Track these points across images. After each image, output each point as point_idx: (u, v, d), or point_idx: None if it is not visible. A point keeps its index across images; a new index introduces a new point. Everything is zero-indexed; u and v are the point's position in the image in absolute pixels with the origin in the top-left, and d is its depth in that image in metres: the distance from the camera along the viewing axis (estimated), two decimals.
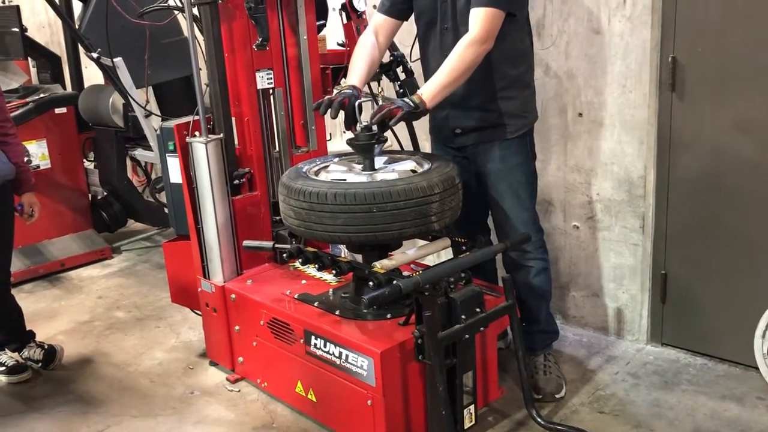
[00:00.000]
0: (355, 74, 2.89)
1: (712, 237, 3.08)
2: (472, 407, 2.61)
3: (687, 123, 3.05)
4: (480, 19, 2.62)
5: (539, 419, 2.71)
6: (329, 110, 2.70)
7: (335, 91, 2.83)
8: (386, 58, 3.56)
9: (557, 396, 2.97)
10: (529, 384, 2.79)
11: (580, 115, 3.31)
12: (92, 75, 5.37)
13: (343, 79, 3.04)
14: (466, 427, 2.60)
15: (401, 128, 3.63)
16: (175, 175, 3.26)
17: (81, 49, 4.59)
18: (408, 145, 3.67)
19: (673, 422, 2.78)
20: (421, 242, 2.93)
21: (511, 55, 2.82)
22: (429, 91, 2.65)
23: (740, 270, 3.04)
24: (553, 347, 3.18)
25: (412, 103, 2.62)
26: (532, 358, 3.07)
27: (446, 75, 2.65)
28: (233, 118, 3.15)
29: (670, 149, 3.11)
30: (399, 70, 3.52)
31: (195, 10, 3.05)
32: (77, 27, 4.22)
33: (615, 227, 3.34)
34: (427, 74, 2.91)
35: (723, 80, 2.92)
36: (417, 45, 3.06)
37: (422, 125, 3.80)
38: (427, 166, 2.73)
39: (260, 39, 3.05)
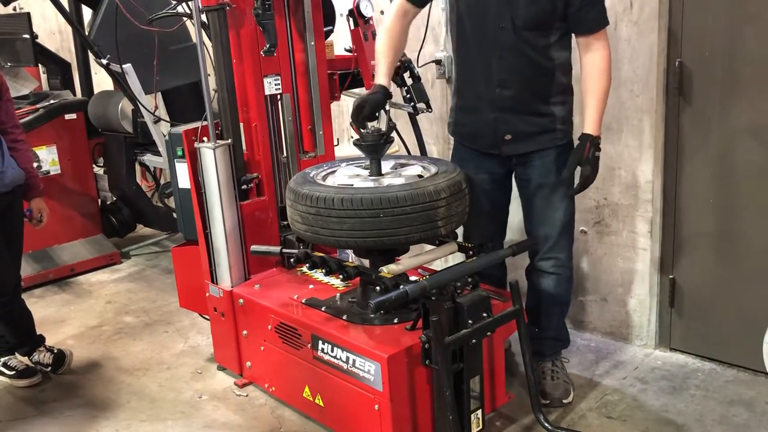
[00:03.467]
0: (382, 72, 2.84)
1: (721, 241, 3.08)
2: (479, 412, 2.61)
3: (694, 127, 3.04)
4: (603, 43, 2.68)
5: (547, 424, 2.71)
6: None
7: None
8: None
9: (565, 401, 2.96)
10: (537, 389, 2.79)
11: None
12: (102, 81, 5.41)
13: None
14: None
15: (408, 132, 3.64)
16: (184, 181, 3.27)
17: (91, 56, 4.62)
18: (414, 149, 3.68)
19: (682, 428, 2.77)
20: (429, 247, 2.94)
21: (567, 64, 2.78)
22: (595, 122, 2.68)
23: (748, 274, 3.03)
24: (562, 353, 3.17)
25: (598, 151, 2.68)
26: (540, 363, 3.05)
27: (602, 102, 2.69)
28: (241, 124, 3.17)
29: (677, 154, 3.11)
30: (406, 75, 3.53)
31: (203, 17, 3.07)
32: (87, 33, 4.25)
33: (623, 232, 3.33)
34: (464, 66, 2.86)
35: (730, 85, 2.91)
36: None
37: (428, 129, 3.81)
38: (433, 170, 2.73)
39: (268, 45, 3.06)
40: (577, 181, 2.75)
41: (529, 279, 3.04)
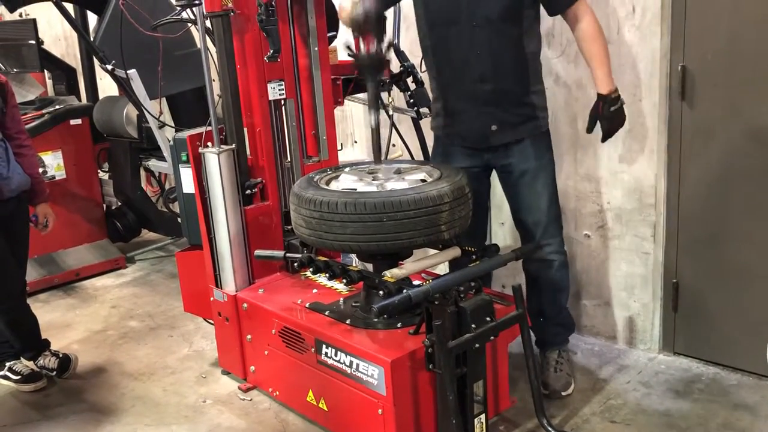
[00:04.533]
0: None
1: (724, 245, 3.07)
2: (482, 416, 2.61)
3: (697, 131, 3.05)
4: (585, 10, 2.78)
5: (550, 429, 2.71)
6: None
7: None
8: (396, 68, 3.60)
9: (564, 393, 3.02)
10: (540, 393, 2.78)
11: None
12: (107, 86, 5.45)
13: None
14: None
15: (411, 137, 3.66)
16: (188, 186, 3.28)
17: (96, 61, 4.64)
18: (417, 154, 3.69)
19: None
20: (432, 251, 2.94)
21: (538, 53, 2.91)
22: (608, 79, 2.78)
23: (753, 278, 3.02)
24: (569, 344, 3.22)
25: (619, 102, 2.78)
26: (547, 353, 3.13)
27: (605, 61, 2.78)
28: (245, 129, 3.18)
29: (680, 157, 3.11)
30: (409, 80, 3.55)
31: (207, 23, 3.09)
32: (92, 39, 4.28)
33: (626, 236, 3.33)
34: (442, 70, 2.92)
35: (733, 88, 2.92)
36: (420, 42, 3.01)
37: (431, 134, 3.81)
38: (437, 175, 2.74)
39: (271, 50, 3.08)
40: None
41: (527, 270, 3.14)
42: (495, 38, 2.78)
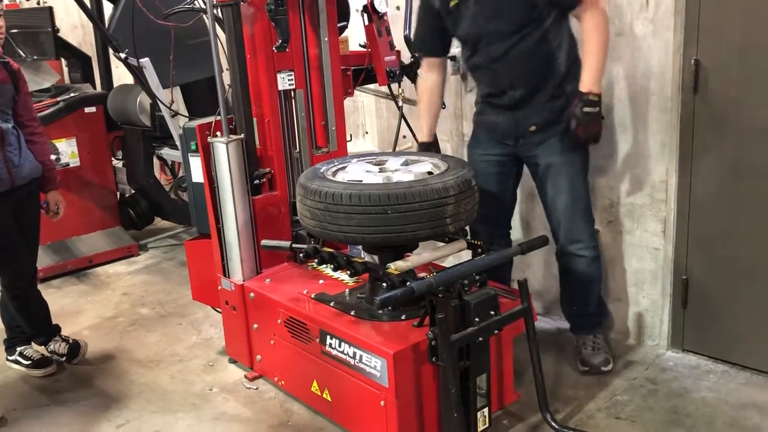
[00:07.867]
0: (424, 128, 3.22)
1: (735, 242, 3.03)
2: (485, 410, 2.60)
3: (710, 126, 3.00)
4: (592, 10, 2.78)
5: (554, 423, 2.70)
6: None
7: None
8: (407, 59, 3.59)
9: (604, 369, 3.11)
10: (544, 387, 2.77)
11: (602, 118, 3.27)
12: (122, 75, 5.46)
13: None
14: (479, 430, 2.59)
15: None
16: (198, 175, 3.29)
17: (110, 50, 4.67)
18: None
19: (691, 430, 2.74)
20: (439, 244, 2.93)
21: (568, 38, 2.92)
22: (594, 79, 2.78)
23: (764, 275, 2.98)
24: (603, 326, 3.30)
25: (597, 107, 2.76)
26: (582, 336, 3.20)
27: (595, 58, 2.78)
28: (254, 119, 3.18)
29: (692, 152, 3.07)
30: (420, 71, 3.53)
31: (217, 12, 3.09)
32: (106, 28, 4.30)
33: (636, 231, 3.30)
34: (480, 82, 3.11)
35: (747, 82, 2.87)
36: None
37: (442, 125, 3.79)
38: (444, 167, 2.73)
39: (280, 40, 3.07)
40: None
41: (559, 262, 3.19)
42: (517, 48, 2.86)
